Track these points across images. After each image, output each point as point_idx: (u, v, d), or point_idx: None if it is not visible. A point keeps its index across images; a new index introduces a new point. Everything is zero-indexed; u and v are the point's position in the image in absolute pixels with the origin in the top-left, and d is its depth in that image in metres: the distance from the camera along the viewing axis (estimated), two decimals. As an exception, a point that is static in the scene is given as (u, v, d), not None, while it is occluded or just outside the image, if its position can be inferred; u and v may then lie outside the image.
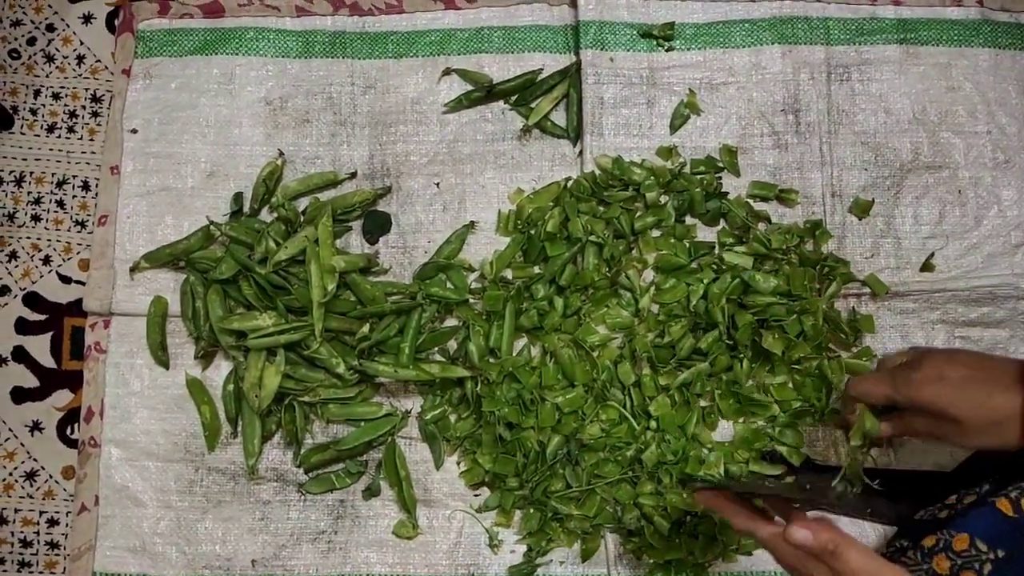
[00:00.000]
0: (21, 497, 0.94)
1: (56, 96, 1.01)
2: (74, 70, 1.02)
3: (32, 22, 1.03)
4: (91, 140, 1.01)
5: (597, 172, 0.96)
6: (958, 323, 0.93)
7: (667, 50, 1.00)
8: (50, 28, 1.03)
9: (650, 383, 0.90)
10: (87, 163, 1.00)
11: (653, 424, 0.89)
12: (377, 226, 0.97)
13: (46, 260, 0.98)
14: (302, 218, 0.95)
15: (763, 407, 0.90)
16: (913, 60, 0.99)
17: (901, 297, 0.93)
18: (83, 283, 0.96)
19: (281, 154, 0.97)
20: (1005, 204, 0.96)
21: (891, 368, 0.80)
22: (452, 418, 0.93)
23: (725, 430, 0.92)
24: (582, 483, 0.88)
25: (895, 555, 0.75)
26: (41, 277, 0.98)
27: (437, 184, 0.98)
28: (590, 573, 0.90)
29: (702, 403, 0.91)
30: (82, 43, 1.03)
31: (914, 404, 0.73)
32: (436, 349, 0.93)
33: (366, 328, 0.91)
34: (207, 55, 1.00)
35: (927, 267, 0.94)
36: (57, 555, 0.93)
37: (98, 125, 1.01)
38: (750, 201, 0.96)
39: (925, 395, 0.72)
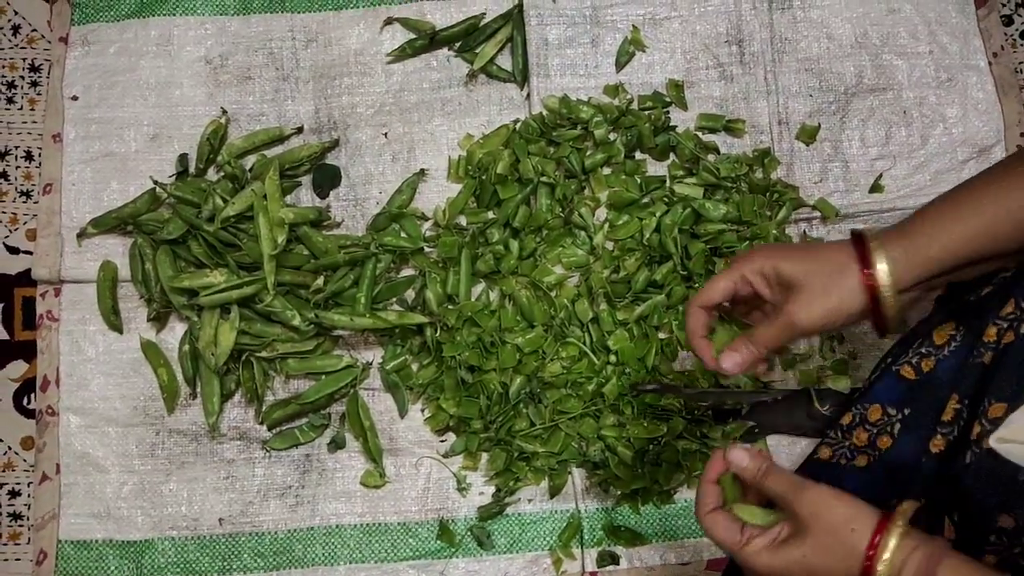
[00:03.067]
0: (-18, 473, 0.93)
1: (-8, 68, 1.00)
2: (10, 40, 1.01)
3: (-37, -6, 1.01)
4: (32, 110, 0.99)
5: (545, 113, 0.96)
6: (908, 241, 0.94)
7: (609, -12, 0.99)
8: (-18, -1, 1.01)
9: (608, 318, 0.90)
10: (28, 133, 0.99)
11: (613, 358, 0.90)
12: (327, 180, 0.96)
13: (-8, 233, 0.97)
14: (249, 175, 0.94)
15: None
16: (853, -15, 0.99)
17: (851, 219, 0.94)
18: (31, 253, 0.95)
19: (224, 112, 0.96)
20: (950, 122, 0.97)
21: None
22: (414, 367, 0.93)
23: (685, 360, 0.92)
24: (546, 420, 0.88)
25: (821, 443, 0.78)
26: (-11, 250, 0.96)
27: (385, 134, 0.97)
28: (559, 508, 0.90)
29: (661, 335, 0.92)
30: (16, 13, 1.01)
31: (759, 271, 0.67)
32: (394, 299, 0.93)
33: (320, 280, 0.90)
34: (144, 17, 0.99)
35: (876, 188, 0.95)
36: (21, 526, 0.92)
37: (38, 94, 1.00)
38: (698, 134, 0.96)
39: (765, 259, 0.66)
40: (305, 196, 0.96)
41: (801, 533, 0.58)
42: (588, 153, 0.94)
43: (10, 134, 0.98)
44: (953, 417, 0.69)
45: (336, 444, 0.91)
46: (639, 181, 0.94)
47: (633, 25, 0.98)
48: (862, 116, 0.97)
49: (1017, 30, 1.02)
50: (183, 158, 0.95)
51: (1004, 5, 1.02)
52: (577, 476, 0.90)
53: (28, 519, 0.92)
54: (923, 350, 0.73)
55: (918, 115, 0.97)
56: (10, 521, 0.92)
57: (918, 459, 0.70)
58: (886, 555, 0.54)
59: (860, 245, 0.65)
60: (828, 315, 0.64)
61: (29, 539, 0.91)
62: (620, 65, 0.98)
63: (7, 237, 0.96)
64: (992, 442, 0.61)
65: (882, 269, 0.63)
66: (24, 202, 0.97)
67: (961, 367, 0.70)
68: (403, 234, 0.94)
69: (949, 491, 0.66)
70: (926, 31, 0.98)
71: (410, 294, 0.93)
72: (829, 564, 0.56)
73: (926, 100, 0.97)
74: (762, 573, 0.60)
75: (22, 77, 1.00)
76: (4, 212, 0.97)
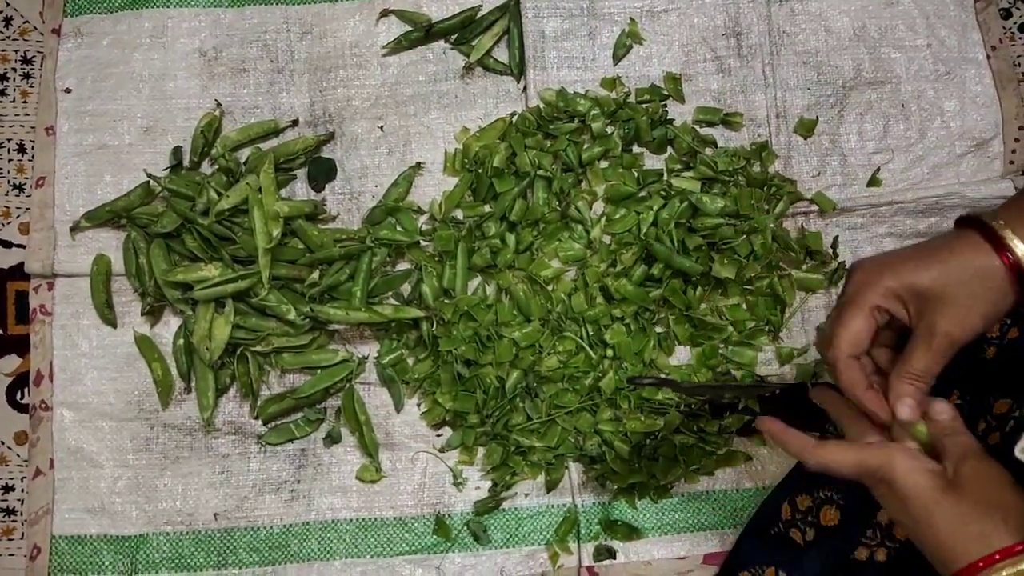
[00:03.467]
0: (-25, 468, 0.92)
1: (-16, 59, 0.99)
2: (2, 32, 1.00)
3: (-46, -15, 1.00)
4: (24, 102, 0.98)
5: (542, 106, 0.95)
6: (906, 235, 0.94)
7: (606, -20, 0.99)
8: (-27, -10, 1.00)
9: (605, 312, 0.90)
10: (21, 125, 0.98)
11: (610, 352, 0.89)
12: (322, 173, 0.95)
13: (-15, 227, 0.96)
14: (244, 168, 0.93)
15: (718, 329, 0.90)
16: (851, -23, 0.99)
17: (849, 212, 0.94)
18: (24, 246, 0.94)
19: (219, 105, 0.95)
20: (948, 115, 0.96)
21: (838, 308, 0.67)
22: (410, 361, 0.92)
23: (682, 354, 0.92)
24: (542, 415, 0.88)
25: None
26: (-19, 244, 0.96)
27: (381, 127, 0.97)
28: (555, 503, 0.90)
29: (658, 329, 0.91)
30: (8, 4, 1.00)
31: (891, 293, 0.61)
32: (390, 294, 0.93)
33: (316, 274, 0.90)
34: (137, 9, 0.98)
35: (874, 182, 0.95)
36: (14, 521, 0.91)
37: (30, 87, 0.99)
38: (696, 127, 0.96)
39: (891, 280, 0.60)
40: (300, 189, 0.95)
41: (959, 488, 0.56)
42: (585, 146, 0.93)
43: (2, 127, 0.97)
44: None
45: (332, 439, 0.91)
46: (636, 175, 0.93)
47: (630, 18, 0.98)
48: (860, 109, 0.96)
49: (1016, 23, 1.01)
50: (177, 151, 0.94)
51: (1003, -2, 1.01)
52: (574, 470, 0.90)
53: (22, 514, 0.91)
54: None
55: (916, 108, 0.96)
56: (3, 516, 0.91)
57: None
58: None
59: (986, 233, 0.59)
60: (986, 322, 0.60)
61: (23, 534, 0.90)
62: (617, 58, 0.97)
63: (0, 231, 0.96)
64: (1019, 454, 0.57)
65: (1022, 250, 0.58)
66: (17, 195, 0.96)
67: (964, 363, 0.69)
68: (399, 228, 0.93)
69: None
70: (924, 24, 0.98)
71: (406, 288, 0.93)
72: (942, 530, 0.55)
73: (924, 93, 0.97)
74: (870, 470, 0.58)
75: (14, 69, 0.99)
76: (-3, 205, 0.96)
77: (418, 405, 0.92)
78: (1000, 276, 0.58)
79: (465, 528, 0.90)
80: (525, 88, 0.97)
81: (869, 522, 0.73)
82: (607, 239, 0.93)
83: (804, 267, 0.93)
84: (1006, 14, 1.01)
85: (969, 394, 0.68)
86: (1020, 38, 1.01)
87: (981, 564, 0.54)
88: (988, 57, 0.97)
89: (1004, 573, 0.53)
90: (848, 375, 0.62)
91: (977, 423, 0.65)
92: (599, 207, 0.94)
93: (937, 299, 0.59)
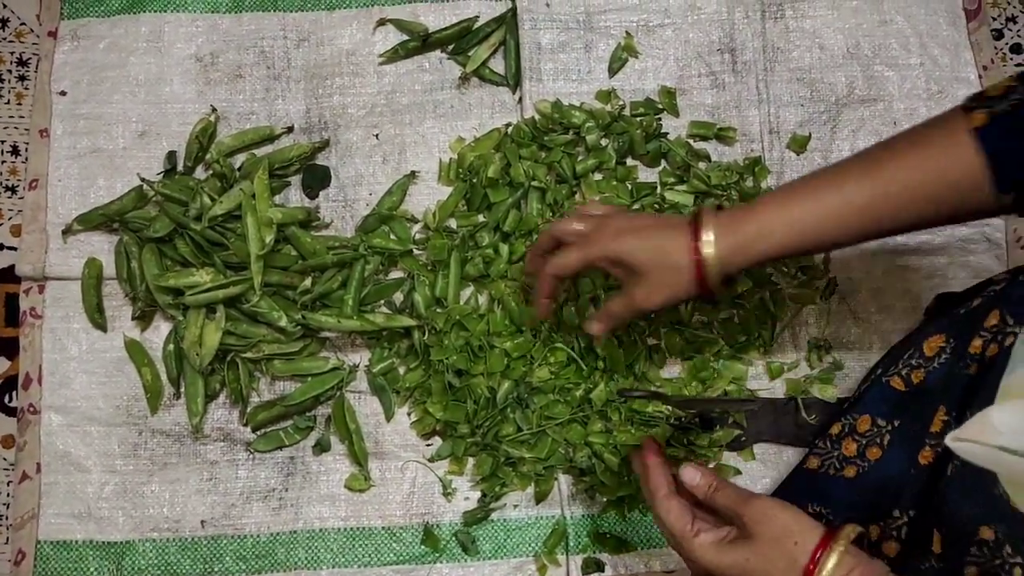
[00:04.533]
0: (-39, 471, 0.92)
1: (-21, 61, 0.99)
2: (-3, 34, 1.00)
3: (-49, -14, 1.00)
4: (19, 104, 0.98)
5: (537, 117, 0.95)
6: (896, 251, 0.94)
7: (603, -6, 0.99)
8: (-30, -8, 1.00)
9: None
10: (16, 127, 0.98)
11: (601, 364, 0.89)
12: (316, 180, 0.95)
13: (-24, 229, 0.96)
14: (238, 174, 0.93)
15: (709, 343, 0.90)
16: (845, -5, 0.99)
17: (841, 228, 0.94)
18: (15, 249, 0.94)
19: (214, 110, 0.95)
20: (939, 134, 0.97)
21: (580, 227, 0.76)
22: (401, 370, 0.92)
23: (674, 368, 0.92)
24: (533, 426, 0.88)
25: (810, 452, 0.79)
26: (-28, 246, 0.95)
27: (376, 136, 0.97)
28: (544, 514, 0.90)
29: (649, 341, 0.91)
30: (5, 6, 1.00)
31: (608, 258, 0.72)
32: (382, 302, 0.93)
33: (308, 282, 0.89)
34: (134, 13, 0.98)
35: (865, 198, 0.95)
36: (-1, 525, 0.91)
37: (25, 89, 0.99)
38: (690, 141, 0.96)
39: (621, 247, 0.71)
40: (294, 196, 0.95)
41: (747, 538, 0.60)
42: (579, 158, 0.94)
43: (-4, 128, 0.97)
44: (941, 429, 0.69)
45: (321, 447, 0.91)
46: (630, 187, 0.94)
47: (626, 31, 0.98)
48: (853, 126, 0.97)
49: (1007, 44, 1.02)
50: (171, 156, 0.94)
51: (995, 19, 1.02)
52: (563, 482, 0.90)
53: (7, 518, 0.90)
54: (913, 361, 0.73)
55: (908, 126, 0.97)
56: (-12, 520, 0.91)
57: (907, 471, 0.70)
58: (825, 572, 0.56)
59: (693, 231, 0.68)
60: (667, 302, 0.70)
61: (8, 539, 0.90)
62: (613, 71, 0.98)
63: (-9, 232, 0.95)
64: (949, 441, 0.60)
65: (710, 257, 0.67)
66: (9, 197, 0.96)
67: (949, 378, 0.70)
68: (392, 236, 0.93)
69: (938, 503, 0.66)
70: (917, 43, 0.98)
71: (398, 297, 0.93)
72: (769, 571, 0.59)
73: (916, 112, 0.97)
74: (702, 568, 0.63)
75: (9, 71, 0.99)
76: (-12, 207, 0.96)
77: (408, 414, 0.92)
78: (690, 275, 0.68)
79: (453, 539, 0.89)
80: (520, 99, 0.97)
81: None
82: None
83: (795, 282, 0.93)
84: (998, 35, 1.02)
85: (954, 410, 0.68)
86: (1012, 59, 1.02)
87: (811, 567, 0.57)
88: (980, 77, 0.98)
89: (833, 559, 0.57)
90: (545, 286, 0.78)
91: None
92: (592, 219, 0.94)
93: (636, 273, 0.70)
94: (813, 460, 0.78)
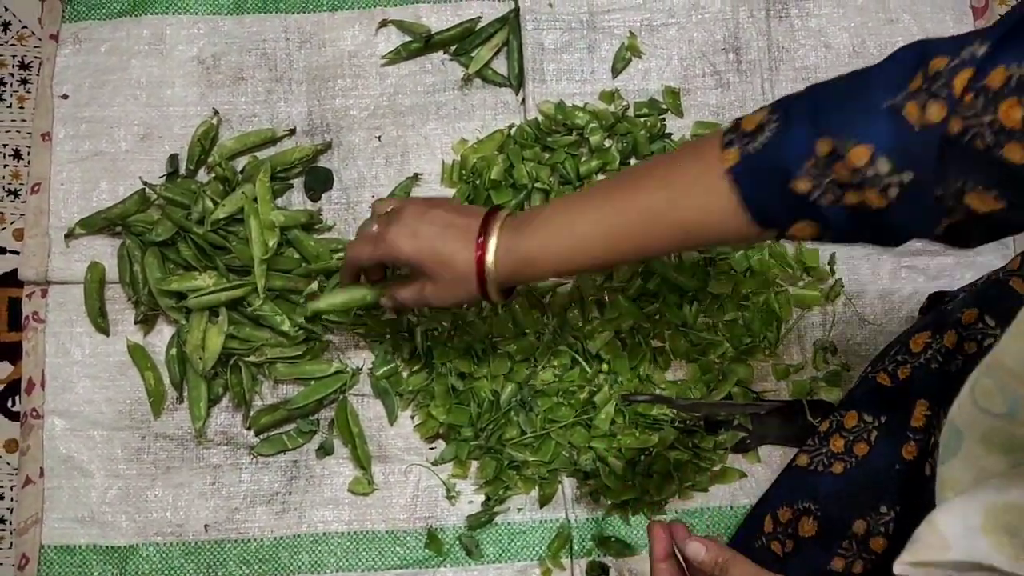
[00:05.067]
0: (-35, 475, 0.92)
1: (-18, 64, 0.99)
2: (0, 37, 0.99)
3: (-47, -10, 1.00)
4: (21, 108, 0.98)
5: (540, 118, 0.95)
6: (903, 252, 0.94)
7: (606, -7, 0.99)
8: (-28, -5, 1.00)
9: (600, 327, 0.89)
10: (18, 131, 0.97)
11: (605, 367, 0.89)
12: (319, 183, 0.95)
13: (-21, 232, 0.96)
14: (240, 177, 0.93)
15: (714, 345, 0.90)
16: (851, -6, 0.99)
17: (846, 229, 0.93)
18: (18, 253, 0.94)
19: (216, 113, 0.95)
20: (946, 133, 0.96)
21: (376, 226, 0.75)
22: (404, 373, 0.92)
23: (679, 370, 0.91)
24: (536, 429, 0.88)
25: (800, 450, 0.79)
26: (-25, 250, 0.95)
27: (379, 138, 0.96)
28: (549, 518, 0.90)
29: (654, 344, 0.91)
30: (7, 9, 1.00)
31: (394, 260, 0.72)
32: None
33: (314, 285, 0.89)
34: (136, 16, 0.98)
35: (872, 199, 0.94)
36: (3, 530, 0.90)
37: (27, 92, 0.98)
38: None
39: (402, 251, 0.70)
40: (297, 199, 0.95)
41: None
42: (583, 159, 0.93)
43: (-2, 132, 0.97)
44: (924, 424, 0.69)
45: (324, 450, 0.90)
46: (634, 188, 0.93)
47: (630, 31, 0.98)
48: (859, 126, 0.96)
49: (1015, 42, 1.01)
50: (173, 159, 0.94)
51: (1001, 17, 1.01)
52: (568, 485, 0.90)
53: (11, 523, 0.90)
54: (900, 358, 0.74)
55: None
56: (-8, 525, 0.91)
57: (892, 466, 0.70)
58: None
59: (483, 239, 0.68)
60: (456, 304, 0.73)
61: (11, 544, 0.90)
62: (616, 71, 0.97)
63: (-6, 237, 0.95)
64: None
65: (491, 273, 0.67)
66: (12, 201, 0.96)
67: (933, 374, 0.70)
68: (395, 239, 0.93)
69: (924, 498, 0.66)
70: (924, 42, 0.97)
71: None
72: None
73: (923, 111, 0.96)
74: None
75: (11, 75, 0.99)
76: (-9, 211, 0.96)
77: (412, 418, 0.92)
78: (472, 280, 0.68)
79: (457, 542, 0.89)
80: (524, 100, 0.97)
81: (845, 533, 0.73)
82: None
83: (801, 283, 0.93)
84: (1006, 32, 1.01)
85: (937, 405, 0.69)
86: (1019, 57, 1.01)
87: None
88: (987, 75, 0.97)
89: None
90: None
91: (935, 435, 0.65)
92: (596, 220, 0.93)
93: (427, 275, 0.70)
94: (803, 457, 0.78)
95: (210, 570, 0.88)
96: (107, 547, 0.88)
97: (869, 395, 0.75)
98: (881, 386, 0.73)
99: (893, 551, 0.67)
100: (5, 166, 0.97)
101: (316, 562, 0.89)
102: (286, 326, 0.88)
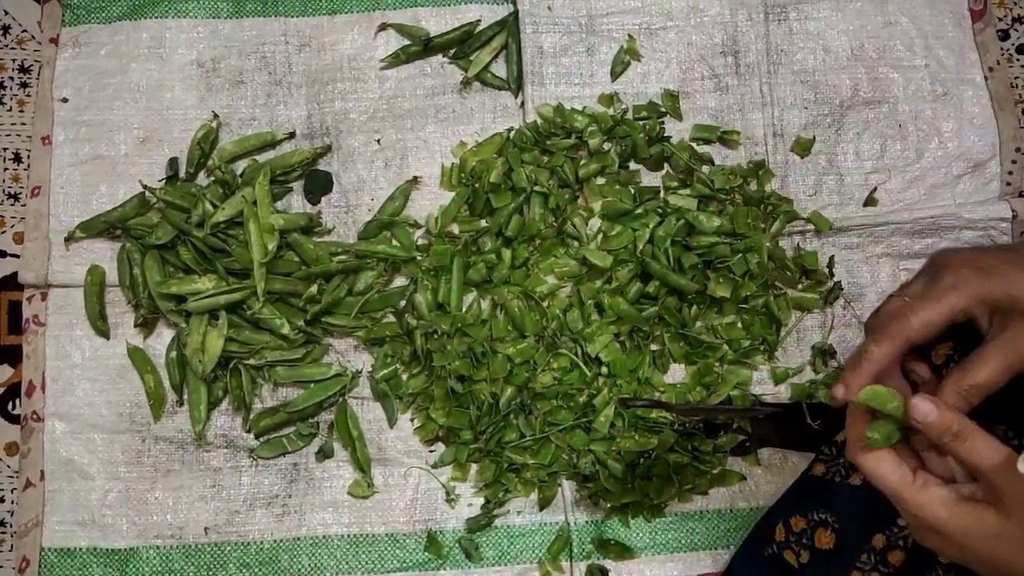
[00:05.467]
0: (-35, 478, 0.92)
1: (-19, 68, 0.99)
2: (0, 41, 1.00)
3: (-47, -7, 1.00)
4: (21, 111, 0.98)
5: (539, 122, 0.95)
6: (902, 255, 0.94)
7: (605, -3, 0.99)
8: (-28, -1, 1.00)
9: (599, 330, 0.89)
10: (17, 134, 0.98)
11: (604, 370, 0.89)
12: (318, 186, 0.95)
13: (-21, 236, 0.96)
14: (239, 180, 0.93)
15: (713, 348, 0.90)
16: (849, -3, 0.99)
17: (845, 232, 0.94)
18: (18, 256, 0.94)
19: (215, 116, 0.95)
20: (945, 136, 0.96)
21: (916, 296, 0.61)
22: (403, 376, 0.92)
23: (677, 372, 0.92)
24: (536, 432, 0.88)
25: (816, 459, 0.78)
26: (-25, 253, 0.96)
27: (378, 141, 0.96)
28: (548, 521, 0.90)
29: (653, 347, 0.91)
30: (6, 13, 1.00)
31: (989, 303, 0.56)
32: (385, 310, 0.92)
33: (314, 289, 0.89)
34: (136, 19, 0.98)
35: (870, 201, 0.95)
36: (3, 532, 0.91)
37: (27, 96, 0.99)
38: (693, 144, 0.96)
39: (998, 287, 0.56)
40: (296, 202, 0.95)
41: (1002, 508, 0.49)
42: (582, 163, 0.93)
43: (-2, 135, 0.98)
44: None
45: (324, 453, 0.91)
46: (633, 191, 0.93)
47: (629, 35, 0.98)
48: (857, 129, 0.96)
49: (1013, 44, 1.01)
50: (173, 162, 0.94)
51: (1000, 20, 1.02)
52: (567, 488, 0.90)
53: (11, 526, 0.91)
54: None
55: (913, 129, 0.96)
56: (-8, 528, 0.91)
57: None
58: None
59: None
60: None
61: (12, 546, 0.90)
62: (615, 74, 0.97)
63: (-6, 240, 0.96)
64: (1021, 467, 0.49)
65: None
66: (12, 204, 0.96)
67: None
68: (395, 242, 0.93)
69: None
70: (922, 44, 0.98)
71: (402, 304, 0.92)
72: (1019, 557, 0.48)
73: (921, 114, 0.97)
74: (927, 525, 0.52)
75: (11, 78, 0.99)
76: (-9, 215, 0.96)
77: (411, 420, 0.92)
78: None
79: (457, 545, 0.89)
80: (523, 103, 0.97)
81: (864, 547, 0.72)
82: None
83: (800, 286, 0.93)
84: (1004, 35, 1.01)
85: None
86: (1018, 59, 1.01)
87: None
88: (986, 78, 0.97)
89: None
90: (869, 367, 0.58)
91: None
92: (595, 223, 0.94)
93: (1019, 311, 0.54)
94: (819, 467, 0.78)
95: (210, 573, 0.88)
96: (107, 550, 0.88)
97: None
98: None
99: (911, 566, 0.66)
100: (5, 169, 0.97)
101: (316, 565, 0.89)
102: (286, 329, 0.88)
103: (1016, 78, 1.00)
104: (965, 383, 0.55)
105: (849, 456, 0.55)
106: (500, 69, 0.98)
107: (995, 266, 0.56)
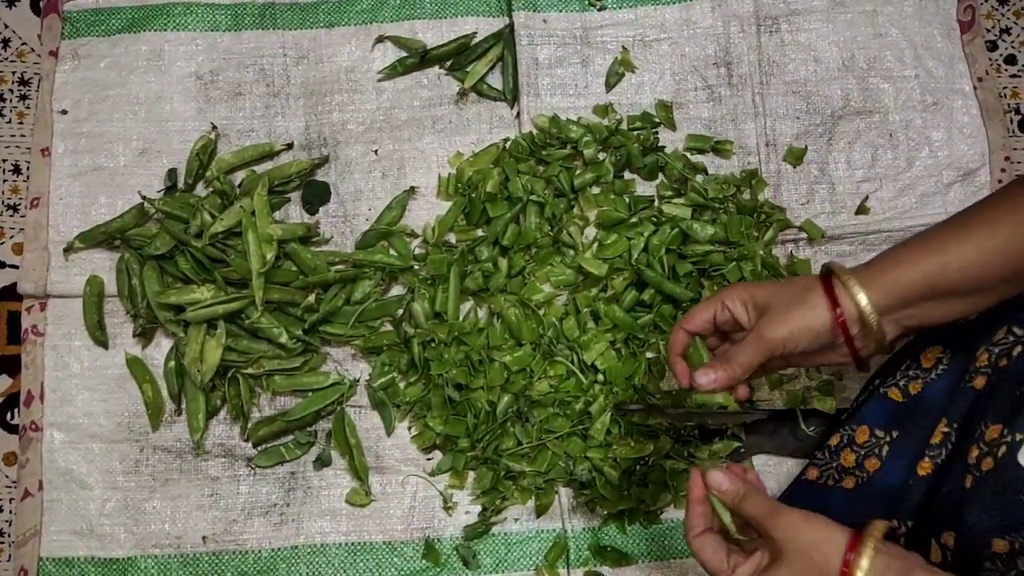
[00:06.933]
0: (-37, 489, 0.92)
1: (-18, 80, 1.00)
2: (0, 54, 1.00)
3: (-47, 7, 1.01)
4: (20, 123, 0.99)
5: (535, 132, 0.96)
6: (894, 262, 0.95)
7: (599, 9, 1.00)
8: (-28, 12, 1.01)
9: (596, 338, 0.90)
10: (17, 146, 0.98)
11: (600, 377, 0.90)
12: (316, 196, 0.96)
13: (-21, 247, 0.96)
14: (238, 191, 0.94)
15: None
16: (840, 9, 1.00)
17: (837, 240, 0.95)
18: (17, 267, 0.95)
19: (214, 128, 0.96)
20: (935, 145, 0.98)
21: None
22: (401, 384, 0.92)
23: (672, 379, 0.92)
24: (533, 439, 0.88)
25: (809, 463, 0.79)
26: (-26, 264, 0.96)
27: (375, 151, 0.97)
28: (545, 528, 0.90)
29: (648, 354, 0.92)
30: (7, 26, 1.01)
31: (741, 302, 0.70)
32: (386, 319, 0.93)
33: (312, 298, 0.90)
34: (135, 32, 0.99)
35: (862, 210, 0.96)
36: (2, 542, 0.91)
37: (27, 108, 0.99)
38: (687, 154, 0.97)
39: (746, 291, 0.70)
40: (294, 212, 0.96)
41: (779, 559, 0.58)
42: (577, 172, 0.94)
43: (-2, 147, 0.98)
44: (941, 440, 0.69)
45: (322, 462, 0.91)
46: (628, 201, 0.94)
47: (623, 46, 0.99)
48: (848, 138, 0.98)
49: (1001, 55, 1.03)
50: (172, 173, 0.95)
51: (989, 31, 1.03)
52: (564, 495, 0.90)
53: (9, 536, 0.91)
54: (911, 372, 0.74)
55: (904, 138, 0.98)
56: (-9, 538, 0.91)
57: (905, 481, 0.70)
58: (859, 574, 0.55)
59: (827, 271, 0.69)
60: (793, 330, 0.67)
61: (10, 556, 0.90)
62: (610, 85, 0.99)
63: (-7, 251, 0.96)
64: (1022, 458, 0.58)
65: (845, 281, 0.66)
66: (11, 216, 0.97)
67: (951, 391, 0.70)
68: (392, 251, 0.94)
69: (937, 513, 0.66)
70: (912, 55, 0.99)
71: (399, 313, 0.93)
72: None
73: (912, 123, 0.98)
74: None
75: (11, 90, 1.00)
76: (-9, 226, 0.97)
77: (409, 429, 0.92)
78: (817, 295, 0.67)
79: (454, 553, 0.89)
80: (518, 114, 0.98)
81: None
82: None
83: (793, 294, 0.94)
84: (992, 46, 1.03)
85: (957, 422, 0.69)
86: (1006, 70, 1.03)
87: (844, 570, 0.56)
88: (975, 88, 0.99)
89: (864, 561, 0.55)
90: (672, 340, 0.73)
91: (969, 451, 0.65)
92: (591, 232, 0.95)
93: (766, 308, 0.68)
94: (812, 471, 0.78)
95: (208, 582, 0.88)
96: (105, 559, 0.88)
97: (880, 409, 0.75)
98: (892, 400, 0.74)
99: None
100: (4, 181, 0.98)
101: (314, 573, 0.89)
102: (284, 338, 0.88)
103: (1004, 88, 1.01)
104: (734, 363, 0.68)
105: (686, 537, 0.65)
106: (496, 80, 0.99)
107: (763, 284, 0.72)
